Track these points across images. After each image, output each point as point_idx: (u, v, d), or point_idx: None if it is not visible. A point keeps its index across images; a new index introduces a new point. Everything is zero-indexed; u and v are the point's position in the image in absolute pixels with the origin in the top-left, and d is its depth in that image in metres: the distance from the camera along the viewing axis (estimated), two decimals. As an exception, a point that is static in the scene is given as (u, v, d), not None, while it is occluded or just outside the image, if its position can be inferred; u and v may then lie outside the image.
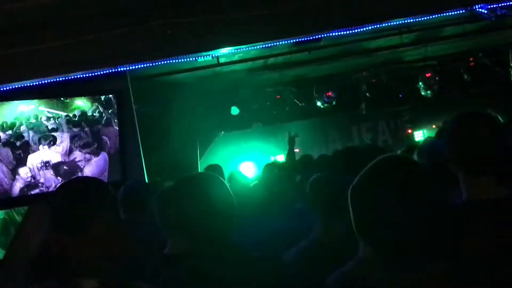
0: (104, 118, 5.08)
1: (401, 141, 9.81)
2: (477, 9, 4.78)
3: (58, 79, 4.48)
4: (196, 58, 4.93)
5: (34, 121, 4.64)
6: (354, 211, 1.32)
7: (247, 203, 3.35)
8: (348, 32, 4.69)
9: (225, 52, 4.95)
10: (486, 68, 8.23)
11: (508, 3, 4.74)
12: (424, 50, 7.38)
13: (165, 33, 4.34)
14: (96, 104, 5.02)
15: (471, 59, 8.30)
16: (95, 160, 4.99)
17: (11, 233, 4.62)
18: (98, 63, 4.43)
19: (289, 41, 4.93)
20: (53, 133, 4.74)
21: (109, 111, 5.09)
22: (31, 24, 4.04)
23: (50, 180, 4.70)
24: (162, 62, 4.70)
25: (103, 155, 5.05)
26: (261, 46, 4.92)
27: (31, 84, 4.42)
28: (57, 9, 3.85)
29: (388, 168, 1.33)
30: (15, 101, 4.56)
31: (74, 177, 4.49)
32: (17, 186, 4.54)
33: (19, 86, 4.41)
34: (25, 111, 4.61)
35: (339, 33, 4.69)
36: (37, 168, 4.63)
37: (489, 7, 4.73)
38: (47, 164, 4.68)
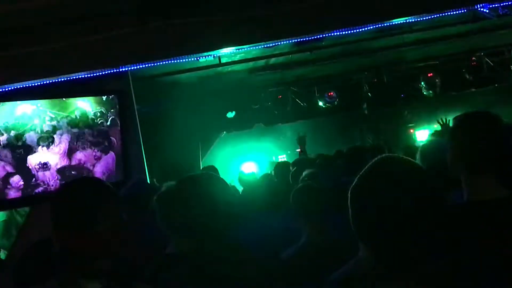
0: (106, 119, 5.08)
1: (402, 141, 9.81)
2: (479, 9, 4.78)
3: (59, 80, 4.48)
4: (198, 58, 4.93)
5: (36, 121, 4.65)
6: (354, 211, 1.32)
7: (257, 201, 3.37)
8: (349, 32, 4.69)
9: (226, 52, 4.95)
10: (488, 68, 8.22)
11: (509, 3, 4.73)
12: (426, 50, 7.38)
13: (167, 33, 4.35)
14: (98, 104, 5.03)
15: (473, 58, 8.29)
16: (99, 161, 5.00)
17: (12, 234, 4.62)
18: (99, 63, 4.44)
19: (290, 41, 4.93)
20: (54, 134, 4.74)
21: (111, 112, 5.10)
22: (32, 25, 4.05)
23: (52, 181, 4.70)
24: (164, 62, 4.70)
25: (106, 157, 5.05)
26: (262, 46, 4.92)
27: (33, 84, 4.43)
28: (58, 10, 3.86)
29: (387, 168, 1.33)
30: (17, 102, 4.56)
31: (75, 177, 4.50)
32: (19, 186, 4.54)
33: (21, 86, 4.41)
34: (27, 112, 4.61)
35: (341, 33, 4.69)
36: (39, 169, 4.64)
37: (490, 6, 4.72)
38: (49, 165, 4.69)
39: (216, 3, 4.38)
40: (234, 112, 8.57)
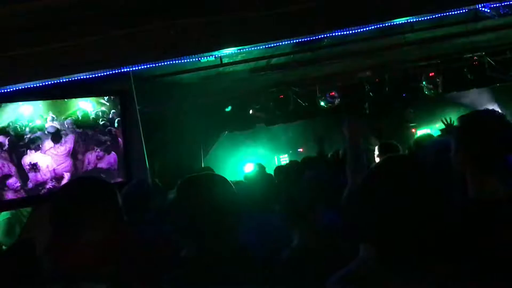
0: (108, 119, 5.09)
1: (404, 141, 9.79)
2: (480, 8, 4.78)
3: (61, 80, 4.49)
4: (199, 58, 4.93)
5: (38, 122, 4.66)
6: (357, 212, 1.32)
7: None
8: (351, 31, 4.69)
9: (228, 52, 4.95)
10: (490, 67, 8.21)
11: (510, 2, 4.73)
12: (427, 50, 7.37)
13: (168, 33, 4.35)
14: (100, 105, 5.04)
15: (474, 58, 8.28)
16: (101, 161, 5.01)
17: (16, 233, 4.63)
18: (101, 64, 4.44)
19: (292, 41, 4.93)
20: (57, 134, 4.75)
21: (113, 112, 5.11)
22: (33, 25, 4.05)
23: (54, 181, 4.71)
24: (165, 63, 4.70)
25: (108, 157, 5.06)
26: (264, 46, 4.92)
27: (34, 85, 4.43)
28: (60, 10, 3.86)
29: (391, 168, 1.33)
30: (19, 103, 4.57)
31: (76, 177, 4.50)
32: (20, 186, 4.55)
33: (22, 87, 4.42)
34: (29, 113, 4.62)
35: (342, 33, 4.68)
36: (39, 168, 4.65)
37: (492, 6, 4.72)
38: (50, 165, 4.70)
39: (218, 4, 4.38)
40: (230, 107, 8.59)
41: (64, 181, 4.69)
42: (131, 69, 4.69)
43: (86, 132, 4.93)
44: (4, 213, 4.64)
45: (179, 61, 4.72)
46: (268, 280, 1.74)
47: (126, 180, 4.90)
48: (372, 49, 6.74)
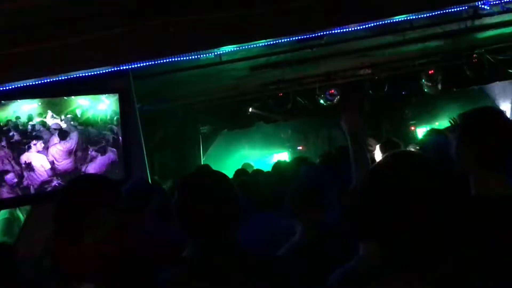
0: (108, 117, 5.09)
1: (404, 138, 9.79)
2: (480, 5, 4.77)
3: (60, 78, 4.48)
4: (199, 56, 4.92)
5: (37, 119, 4.65)
6: (360, 209, 1.31)
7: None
8: (350, 29, 4.68)
9: (227, 49, 4.94)
10: (490, 65, 8.20)
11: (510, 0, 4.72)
12: (427, 47, 7.36)
13: (167, 31, 4.33)
14: (99, 103, 5.03)
15: (474, 55, 8.26)
16: (100, 158, 5.00)
17: (15, 232, 4.62)
18: (100, 62, 4.43)
19: (291, 39, 4.92)
20: (56, 132, 4.75)
21: (113, 110, 5.10)
22: (32, 23, 4.04)
23: (54, 180, 4.71)
24: (165, 61, 4.69)
25: (107, 154, 5.06)
26: (263, 44, 4.91)
27: (33, 83, 4.42)
28: (58, 8, 3.85)
29: (399, 163, 1.31)
30: (18, 101, 4.56)
31: (80, 175, 4.50)
32: (13, 184, 4.54)
33: (21, 85, 4.41)
34: (28, 111, 4.61)
35: (342, 31, 4.68)
36: (40, 168, 4.64)
37: (492, 3, 4.71)
38: (51, 163, 4.69)
39: (217, 1, 4.37)
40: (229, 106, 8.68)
41: (66, 179, 4.68)
42: (130, 67, 4.68)
43: (85, 130, 4.93)
44: (2, 212, 4.64)
45: (178, 59, 4.71)
46: (268, 279, 1.73)
47: (125, 178, 4.89)
48: (371, 46, 6.74)
